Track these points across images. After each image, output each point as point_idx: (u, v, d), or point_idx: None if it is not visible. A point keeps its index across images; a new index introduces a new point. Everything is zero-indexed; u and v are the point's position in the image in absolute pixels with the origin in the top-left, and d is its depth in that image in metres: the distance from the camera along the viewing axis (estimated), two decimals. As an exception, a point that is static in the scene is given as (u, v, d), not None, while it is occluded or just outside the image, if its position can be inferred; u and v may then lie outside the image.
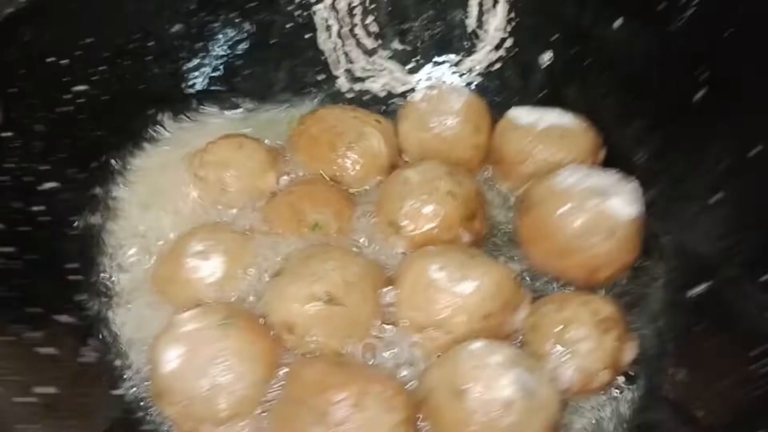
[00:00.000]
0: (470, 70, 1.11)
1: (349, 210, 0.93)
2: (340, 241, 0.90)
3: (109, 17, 0.96)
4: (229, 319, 0.77)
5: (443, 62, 1.12)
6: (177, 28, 1.02)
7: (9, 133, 0.85)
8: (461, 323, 0.79)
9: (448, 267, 0.80)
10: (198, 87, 1.06)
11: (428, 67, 1.13)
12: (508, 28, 1.08)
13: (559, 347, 0.78)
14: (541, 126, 0.95)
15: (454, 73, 1.12)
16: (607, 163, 0.97)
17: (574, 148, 0.93)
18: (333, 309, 0.79)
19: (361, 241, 0.91)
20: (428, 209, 0.87)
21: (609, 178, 0.87)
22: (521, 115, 0.97)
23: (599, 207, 0.83)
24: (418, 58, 1.13)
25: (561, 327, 0.78)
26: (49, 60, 0.90)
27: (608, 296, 0.86)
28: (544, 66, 1.06)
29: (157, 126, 1.03)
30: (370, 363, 0.81)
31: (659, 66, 0.95)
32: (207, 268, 0.85)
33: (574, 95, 1.03)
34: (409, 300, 0.81)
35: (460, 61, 1.12)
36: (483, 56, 1.10)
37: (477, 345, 0.75)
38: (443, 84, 1.05)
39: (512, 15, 1.07)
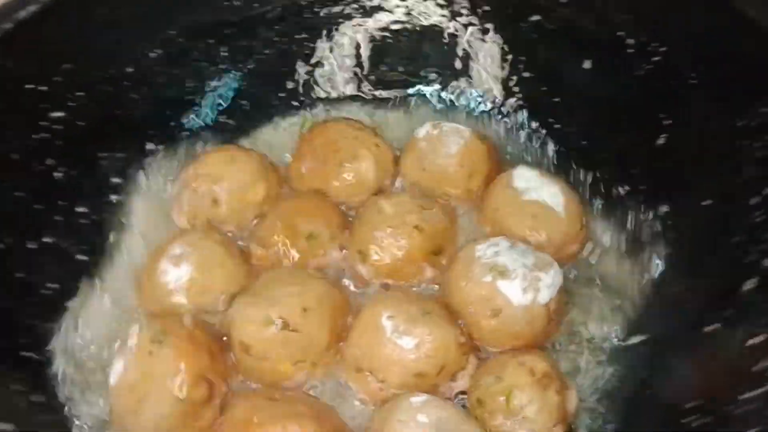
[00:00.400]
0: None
1: (339, 220, 0.96)
2: (324, 261, 0.93)
3: (89, 43, 0.96)
4: (161, 336, 0.80)
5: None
6: (156, 54, 1.03)
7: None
8: (393, 374, 0.81)
9: (396, 318, 0.82)
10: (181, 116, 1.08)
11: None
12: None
13: (508, 418, 0.79)
14: (527, 197, 0.95)
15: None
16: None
17: (541, 234, 0.93)
18: (288, 334, 0.82)
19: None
20: (394, 241, 0.90)
21: (527, 259, 0.87)
22: (522, 176, 0.98)
23: (491, 285, 0.85)
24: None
25: (505, 397, 0.79)
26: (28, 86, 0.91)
27: (539, 352, 0.86)
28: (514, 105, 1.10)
29: (140, 152, 1.04)
30: (312, 393, 0.84)
31: (624, 108, 0.99)
32: (175, 273, 0.88)
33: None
34: (355, 340, 0.84)
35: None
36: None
37: (419, 399, 0.78)
38: (446, 123, 1.04)
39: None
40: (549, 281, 0.86)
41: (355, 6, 1.11)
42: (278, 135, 1.11)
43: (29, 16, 0.89)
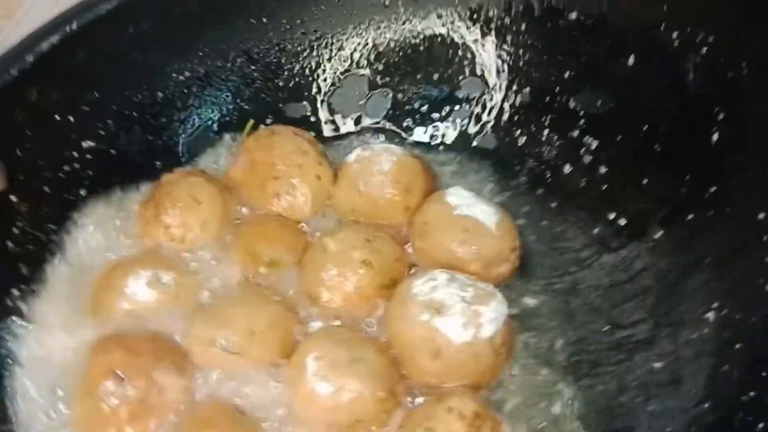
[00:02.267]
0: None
1: (303, 244, 0.93)
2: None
3: (114, 70, 0.97)
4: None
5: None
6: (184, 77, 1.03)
7: (14, 198, 0.89)
8: (307, 416, 0.78)
9: (322, 359, 0.78)
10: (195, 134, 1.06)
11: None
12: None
13: None
14: (458, 212, 0.90)
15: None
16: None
17: (470, 248, 0.88)
18: (230, 357, 0.82)
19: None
20: (343, 280, 0.86)
21: (466, 292, 0.81)
22: (456, 194, 0.93)
23: (428, 323, 0.79)
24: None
25: None
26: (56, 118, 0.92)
27: (466, 391, 0.79)
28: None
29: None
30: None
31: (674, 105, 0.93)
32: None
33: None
34: (287, 373, 0.81)
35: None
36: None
37: None
38: (377, 144, 1.01)
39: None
40: (491, 315, 0.80)
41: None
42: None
43: (50, 48, 0.90)
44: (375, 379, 0.78)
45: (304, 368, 0.78)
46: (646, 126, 0.94)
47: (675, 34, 0.91)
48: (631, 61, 0.95)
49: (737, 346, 0.76)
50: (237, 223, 0.96)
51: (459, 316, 0.79)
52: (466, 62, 1.07)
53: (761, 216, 0.81)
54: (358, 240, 0.88)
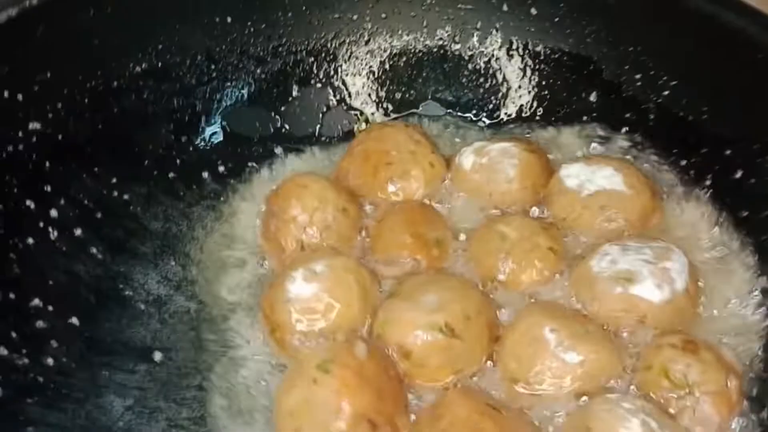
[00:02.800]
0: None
1: (448, 225, 0.94)
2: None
3: (70, 53, 0.90)
4: (328, 364, 0.75)
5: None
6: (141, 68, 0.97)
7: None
8: (550, 386, 0.78)
9: (559, 332, 0.79)
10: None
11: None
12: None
13: (678, 392, 0.76)
14: (586, 192, 0.91)
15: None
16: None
17: (617, 216, 0.90)
18: (451, 341, 0.79)
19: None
20: (530, 265, 0.87)
21: (644, 255, 0.83)
22: (571, 174, 0.93)
23: (624, 294, 0.82)
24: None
25: (664, 377, 0.76)
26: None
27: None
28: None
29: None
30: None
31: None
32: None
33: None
34: (512, 349, 0.81)
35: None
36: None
37: (613, 395, 0.76)
38: (488, 145, 0.98)
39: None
40: (678, 267, 0.83)
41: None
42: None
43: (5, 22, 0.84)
44: (612, 345, 0.81)
45: (543, 342, 0.79)
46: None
47: (639, 75, 0.95)
48: (592, 97, 0.99)
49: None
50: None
51: (651, 278, 0.81)
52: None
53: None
54: (537, 227, 0.90)
